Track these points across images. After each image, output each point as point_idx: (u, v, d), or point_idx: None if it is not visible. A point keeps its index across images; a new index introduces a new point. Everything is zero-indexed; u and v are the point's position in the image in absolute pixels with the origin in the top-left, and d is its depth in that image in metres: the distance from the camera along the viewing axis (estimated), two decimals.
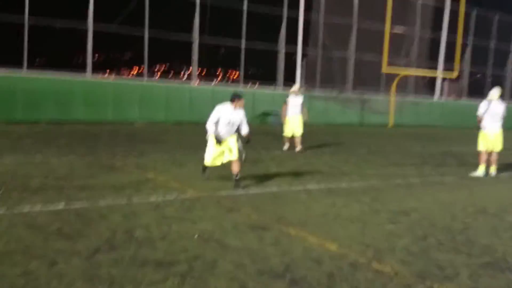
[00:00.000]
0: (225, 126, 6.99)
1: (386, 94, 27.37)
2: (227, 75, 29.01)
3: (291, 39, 25.33)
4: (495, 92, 9.23)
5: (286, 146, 12.51)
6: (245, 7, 23.96)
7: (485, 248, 4.63)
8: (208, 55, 24.26)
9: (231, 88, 23.88)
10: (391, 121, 26.20)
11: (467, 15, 28.18)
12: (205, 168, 7.47)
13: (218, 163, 7.18)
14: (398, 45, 27.31)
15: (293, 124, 12.51)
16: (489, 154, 9.08)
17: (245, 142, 7.17)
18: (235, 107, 7.00)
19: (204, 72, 25.20)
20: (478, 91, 31.97)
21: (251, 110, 23.35)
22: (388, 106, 26.46)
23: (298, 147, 12.20)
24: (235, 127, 7.12)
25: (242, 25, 24.00)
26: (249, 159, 7.86)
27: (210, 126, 6.96)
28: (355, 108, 26.50)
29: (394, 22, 26.49)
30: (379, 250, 4.40)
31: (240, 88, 23.79)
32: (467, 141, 18.09)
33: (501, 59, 32.58)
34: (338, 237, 4.76)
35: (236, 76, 27.50)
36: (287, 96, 13.33)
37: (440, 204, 6.55)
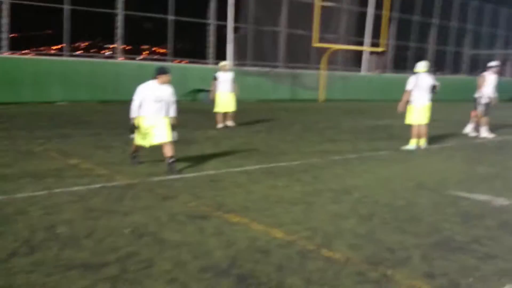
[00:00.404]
0: (154, 104, 6.45)
1: (316, 69, 27.58)
2: (154, 51, 27.85)
3: (222, 13, 24.67)
4: (422, 65, 9.32)
5: (220, 124, 12.17)
6: None
7: (431, 227, 4.55)
8: (133, 30, 23.04)
9: (159, 64, 22.95)
10: (321, 96, 26.50)
11: None
12: (135, 151, 6.92)
13: (147, 144, 6.63)
14: (327, 20, 27.40)
15: (225, 100, 12.34)
16: (419, 126, 9.20)
17: (172, 127, 6.59)
18: (161, 83, 6.50)
19: (129, 48, 23.92)
20: (402, 65, 33.22)
21: (181, 87, 22.58)
22: (318, 81, 26.69)
23: (230, 123, 12.28)
24: (164, 105, 6.56)
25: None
26: (183, 140, 7.42)
27: (133, 108, 6.44)
28: (287, 84, 26.48)
29: None
30: (326, 234, 4.18)
31: (169, 63, 22.91)
32: (393, 114, 18.74)
33: (423, 32, 33.87)
34: (283, 223, 4.48)
35: (163, 51, 26.43)
36: (216, 72, 12.90)
37: (379, 180, 6.49)
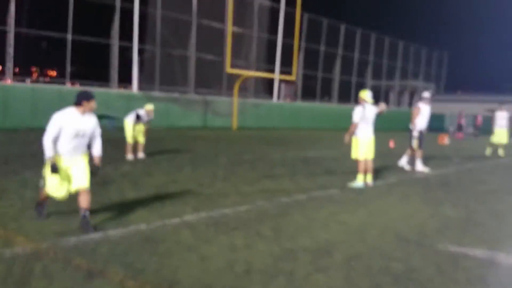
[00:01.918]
0: (72, 140, 4.87)
1: (228, 96, 26.66)
2: (45, 73, 25.07)
3: (126, 33, 22.86)
4: (369, 95, 8.60)
5: (130, 155, 10.90)
6: None
7: None
8: (26, 49, 20.36)
9: (53, 87, 20.44)
10: (234, 123, 25.53)
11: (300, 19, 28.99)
12: (42, 202, 5.16)
13: (63, 193, 4.92)
14: (238, 46, 26.78)
15: (137, 130, 11.17)
16: (365, 161, 8.37)
17: (94, 170, 5.10)
18: (83, 112, 4.89)
19: (18, 70, 21.08)
20: (310, 94, 33.62)
21: None
22: (231, 108, 25.74)
23: (141, 154, 11.18)
24: (86, 140, 5.01)
25: (68, 15, 20.72)
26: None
27: (47, 144, 4.75)
28: (198, 110, 25.17)
29: (233, 23, 25.94)
30: None
31: (64, 86, 20.51)
32: (314, 144, 18.42)
33: (329, 62, 34.69)
34: None
35: (55, 73, 23.85)
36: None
37: (351, 232, 5.34)
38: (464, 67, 51.47)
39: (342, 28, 35.01)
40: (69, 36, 20.74)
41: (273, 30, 29.73)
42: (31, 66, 24.16)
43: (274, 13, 29.55)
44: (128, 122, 11.12)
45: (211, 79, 26.55)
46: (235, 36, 25.94)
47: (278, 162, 11.58)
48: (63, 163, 4.85)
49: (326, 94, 34.99)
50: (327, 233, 5.23)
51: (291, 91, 32.01)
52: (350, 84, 36.80)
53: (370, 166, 8.46)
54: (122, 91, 22.99)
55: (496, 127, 15.56)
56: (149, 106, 11.43)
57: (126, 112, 21.54)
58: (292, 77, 26.98)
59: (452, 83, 47.77)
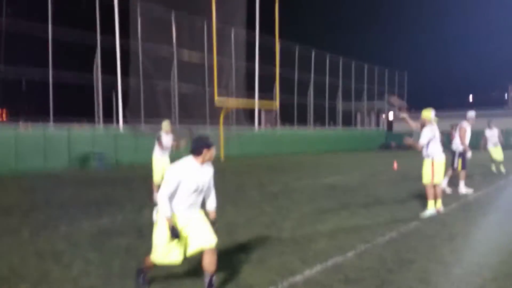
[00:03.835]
0: (190, 196, 4.25)
1: (212, 126, 26.29)
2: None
3: (108, 69, 22.18)
4: (433, 114, 8.08)
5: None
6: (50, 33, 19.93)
7: None
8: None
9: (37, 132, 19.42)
10: (222, 154, 25.09)
11: (272, 47, 29.28)
12: (147, 269, 4.57)
13: (178, 258, 4.32)
14: (218, 76, 26.59)
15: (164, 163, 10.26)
16: (436, 186, 8.16)
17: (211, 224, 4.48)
18: (202, 162, 4.33)
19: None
20: (288, 119, 33.78)
21: (66, 152, 19.34)
22: (217, 138, 25.30)
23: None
24: (203, 194, 4.45)
25: (48, 54, 19.88)
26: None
27: (164, 203, 4.11)
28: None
29: (210, 53, 25.85)
30: None
31: (50, 128, 19.52)
32: (317, 170, 18.24)
33: (303, 88, 35.09)
34: None
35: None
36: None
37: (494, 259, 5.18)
38: (421, 85, 53.56)
39: (313, 53, 35.65)
40: (50, 74, 19.85)
41: (249, 58, 29.80)
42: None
43: (249, 41, 29.69)
44: (156, 156, 10.37)
45: (195, 110, 26.12)
46: (213, 67, 25.80)
47: (309, 192, 11.29)
48: (180, 223, 4.24)
49: (303, 119, 35.27)
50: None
51: (271, 118, 32.03)
52: (323, 107, 37.35)
53: (440, 190, 8.23)
54: (109, 128, 22.15)
55: (490, 146, 15.60)
56: (166, 124, 10.46)
57: (114, 149, 20.95)
58: (275, 104, 27.01)
59: (414, 102, 49.43)
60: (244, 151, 27.34)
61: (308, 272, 4.97)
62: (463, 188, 10.68)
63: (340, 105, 39.44)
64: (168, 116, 24.87)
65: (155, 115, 23.93)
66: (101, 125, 21.86)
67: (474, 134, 11.10)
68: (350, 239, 6.40)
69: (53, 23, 20.19)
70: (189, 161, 4.24)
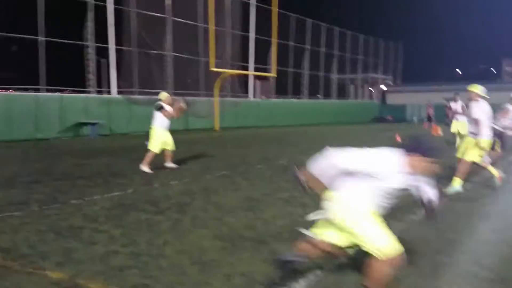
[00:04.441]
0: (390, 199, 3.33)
1: (206, 95, 25.76)
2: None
3: (99, 37, 21.35)
4: (484, 90, 7.58)
5: (147, 168, 9.83)
6: None
7: None
8: None
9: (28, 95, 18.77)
10: (216, 124, 24.70)
11: (269, 14, 28.58)
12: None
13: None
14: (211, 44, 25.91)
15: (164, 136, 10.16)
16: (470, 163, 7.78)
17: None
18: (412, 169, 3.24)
19: None
20: (282, 90, 33.33)
21: (58, 120, 18.77)
22: (211, 108, 24.86)
23: (171, 164, 10.36)
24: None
25: (38, 15, 18.98)
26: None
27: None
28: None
29: (204, 20, 25.15)
30: None
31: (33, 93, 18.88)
32: (322, 142, 17.88)
33: (298, 58, 34.52)
34: None
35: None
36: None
37: None
38: (417, 57, 53.23)
39: (309, 23, 34.93)
40: (41, 38, 19.00)
41: (245, 26, 29.07)
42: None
43: (245, 9, 28.90)
44: (158, 126, 10.07)
45: (189, 79, 25.52)
46: (208, 33, 25.10)
47: None
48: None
49: (297, 90, 34.82)
50: None
51: (266, 89, 31.53)
52: (318, 78, 36.89)
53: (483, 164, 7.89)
54: (102, 96, 21.50)
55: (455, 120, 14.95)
56: (166, 95, 10.29)
57: (108, 117, 20.36)
58: (272, 74, 26.51)
59: (408, 74, 49.19)
60: (238, 122, 26.96)
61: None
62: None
63: (334, 77, 39.03)
64: (162, 85, 24.29)
65: (149, 84, 23.34)
66: (94, 93, 21.21)
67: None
68: None
69: None
70: (395, 154, 3.25)
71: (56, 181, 8.68)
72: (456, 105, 15.06)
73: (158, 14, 23.51)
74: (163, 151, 10.24)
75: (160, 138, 10.08)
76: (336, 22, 37.77)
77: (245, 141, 18.31)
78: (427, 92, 42.28)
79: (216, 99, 24.59)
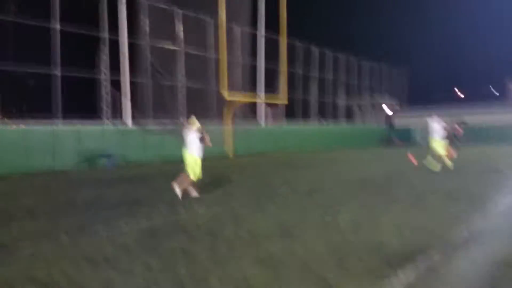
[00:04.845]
0: None
1: (217, 123, 25.78)
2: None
3: (113, 65, 21.57)
4: None
5: (195, 193, 10.03)
6: (57, 25, 19.36)
7: None
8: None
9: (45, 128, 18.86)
10: (231, 151, 24.61)
11: (276, 43, 28.91)
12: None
13: None
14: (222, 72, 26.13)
15: (197, 164, 10.19)
16: None
17: None
18: None
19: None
20: (292, 115, 33.38)
21: (75, 151, 18.78)
22: (223, 135, 24.82)
23: (195, 193, 10.16)
24: None
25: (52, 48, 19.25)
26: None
27: None
28: None
29: (216, 49, 25.44)
30: None
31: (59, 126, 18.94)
32: (341, 165, 17.77)
33: (305, 84, 34.69)
34: None
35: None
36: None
37: None
38: (422, 81, 53.29)
39: (315, 50, 35.29)
40: (57, 72, 19.22)
41: (254, 55, 29.36)
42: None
43: (254, 38, 29.25)
44: (195, 152, 10.09)
45: (200, 107, 25.60)
46: (220, 63, 25.37)
47: (342, 188, 10.82)
48: None
49: (305, 115, 34.87)
50: None
51: (276, 114, 31.57)
52: (325, 104, 37.01)
53: None
54: (117, 126, 21.58)
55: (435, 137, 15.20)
56: (195, 121, 10.29)
57: (123, 147, 20.38)
58: (284, 101, 26.59)
59: (413, 98, 49.22)
60: (251, 148, 26.89)
61: (405, 277, 4.52)
62: None
63: (342, 101, 39.13)
64: (175, 114, 24.42)
65: (162, 112, 23.45)
66: (109, 122, 21.29)
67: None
68: (428, 238, 5.97)
69: (59, 19, 19.56)
70: None
71: (80, 211, 8.57)
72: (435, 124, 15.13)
73: (171, 47, 23.79)
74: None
75: (196, 164, 10.13)
76: (341, 49, 38.13)
77: (261, 167, 18.18)
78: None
79: (227, 126, 24.58)
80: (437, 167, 14.83)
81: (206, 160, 21.03)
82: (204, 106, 25.47)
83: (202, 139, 10.12)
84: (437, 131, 15.05)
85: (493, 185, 10.66)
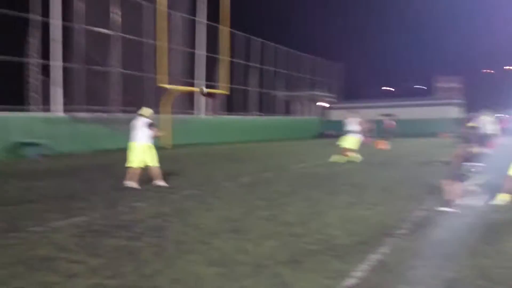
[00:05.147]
0: None
1: (156, 112, 25.07)
2: None
3: (44, 50, 20.25)
4: None
5: (132, 183, 9.76)
6: None
7: None
8: None
9: None
10: (167, 141, 24.00)
11: (217, 32, 28.57)
12: None
13: None
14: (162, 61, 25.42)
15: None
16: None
17: None
18: None
19: None
20: (230, 107, 33.19)
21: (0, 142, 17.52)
22: (160, 125, 24.15)
23: (161, 182, 10.13)
24: None
25: None
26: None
27: None
28: (126, 130, 23.20)
29: (154, 36, 24.70)
30: None
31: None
32: (279, 158, 17.75)
33: (245, 75, 34.59)
34: None
35: None
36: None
37: None
38: (356, 76, 55.02)
39: (256, 41, 35.26)
40: None
41: (192, 44, 28.80)
42: None
43: (193, 26, 28.66)
44: (141, 141, 9.69)
45: (135, 96, 24.74)
46: (158, 50, 24.65)
47: (286, 181, 10.83)
48: None
49: (244, 107, 34.82)
50: None
51: (215, 105, 31.20)
52: (264, 96, 37.17)
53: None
54: (47, 114, 20.32)
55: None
56: (148, 111, 10.07)
57: (52, 137, 19.22)
58: (224, 91, 26.30)
59: (348, 92, 50.74)
60: (189, 139, 26.45)
61: (360, 274, 4.49)
62: None
63: (280, 94, 39.50)
64: (108, 102, 23.47)
65: (94, 101, 22.43)
66: (37, 112, 20.02)
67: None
68: (374, 231, 6.04)
69: None
70: None
71: (8, 206, 7.90)
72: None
73: (106, 31, 22.73)
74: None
75: (144, 154, 9.88)
76: (283, 42, 38.44)
77: (201, 159, 17.89)
78: (367, 109, 43.76)
79: (164, 116, 23.96)
80: (358, 158, 15.37)
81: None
82: (140, 94, 24.64)
83: (151, 126, 9.78)
84: (352, 126, 15.54)
85: (428, 177, 11.10)
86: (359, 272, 4.43)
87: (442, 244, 5.37)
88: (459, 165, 7.08)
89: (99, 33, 22.47)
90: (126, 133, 23.15)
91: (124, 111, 24.04)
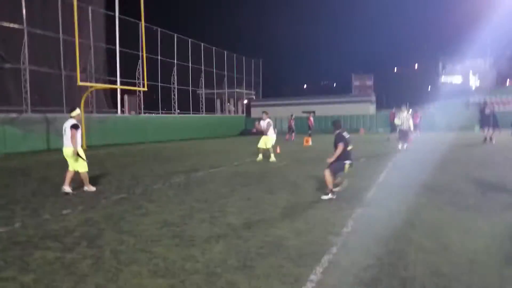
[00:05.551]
0: None
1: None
2: None
3: None
4: None
5: (68, 188, 9.11)
6: None
7: None
8: None
9: None
10: (84, 142, 22.72)
11: (135, 28, 27.69)
12: None
13: None
14: (74, 57, 24.07)
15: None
16: None
17: None
18: None
19: None
20: (152, 105, 32.25)
21: None
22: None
23: (91, 187, 9.52)
24: None
25: None
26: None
27: None
28: (40, 131, 21.69)
29: (65, 31, 23.35)
30: None
31: None
32: (208, 158, 17.14)
33: (166, 74, 33.75)
34: None
35: None
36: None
37: None
38: (276, 74, 55.92)
39: (175, 38, 34.51)
40: None
41: (109, 40, 27.54)
42: None
43: (108, 21, 27.40)
44: (66, 145, 9.04)
45: (49, 95, 23.18)
46: (70, 45, 23.32)
47: (219, 181, 10.57)
48: None
49: (166, 105, 34.00)
50: None
51: (134, 104, 30.05)
52: (186, 93, 36.54)
53: None
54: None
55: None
56: (77, 111, 9.25)
57: None
58: (143, 88, 25.38)
59: (268, 89, 51.47)
60: (106, 139, 25.30)
61: (315, 277, 4.37)
62: None
63: (203, 92, 39.07)
64: (20, 102, 21.78)
65: (4, 101, 20.74)
66: None
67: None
68: (320, 230, 5.99)
69: None
70: None
71: None
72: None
73: (14, 25, 21.00)
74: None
75: (70, 158, 9.19)
76: (203, 39, 38.02)
77: (124, 159, 17.08)
78: (287, 106, 44.65)
79: (82, 115, 22.67)
80: (272, 158, 15.24)
81: (52, 153, 19.13)
82: (52, 92, 23.11)
83: (73, 127, 8.99)
84: (267, 127, 15.45)
85: (359, 172, 11.38)
86: (314, 275, 4.32)
87: (389, 242, 5.43)
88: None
89: (7, 27, 20.74)
90: (40, 134, 21.70)
91: (36, 111, 22.47)
